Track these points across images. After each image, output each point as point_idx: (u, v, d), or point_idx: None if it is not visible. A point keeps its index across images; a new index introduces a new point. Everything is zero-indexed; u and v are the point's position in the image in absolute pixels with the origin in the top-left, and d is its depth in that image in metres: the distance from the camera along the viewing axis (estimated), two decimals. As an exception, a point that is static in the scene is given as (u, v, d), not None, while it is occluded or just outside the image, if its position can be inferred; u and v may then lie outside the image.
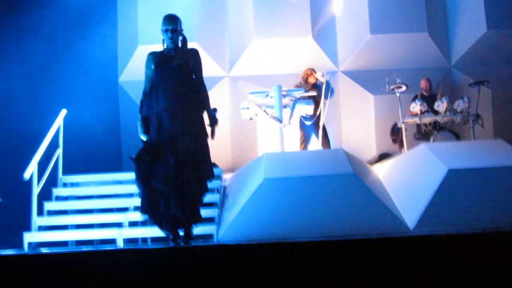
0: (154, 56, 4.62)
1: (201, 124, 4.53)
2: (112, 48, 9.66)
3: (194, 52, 4.66)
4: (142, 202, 4.51)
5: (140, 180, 4.47)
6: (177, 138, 4.39)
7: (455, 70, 9.69)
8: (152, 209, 4.41)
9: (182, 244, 4.37)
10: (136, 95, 9.40)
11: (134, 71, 9.42)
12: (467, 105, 7.77)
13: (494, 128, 9.19)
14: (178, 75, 4.51)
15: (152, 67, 4.58)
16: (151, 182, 4.40)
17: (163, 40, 4.64)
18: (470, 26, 9.42)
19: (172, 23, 4.57)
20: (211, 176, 4.56)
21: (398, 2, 9.42)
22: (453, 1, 9.80)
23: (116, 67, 9.70)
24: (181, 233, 4.44)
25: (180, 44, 4.64)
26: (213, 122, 4.56)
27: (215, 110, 4.58)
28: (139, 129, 4.54)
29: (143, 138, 4.51)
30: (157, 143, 4.45)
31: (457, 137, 8.19)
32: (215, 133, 4.63)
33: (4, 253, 3.07)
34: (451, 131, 8.28)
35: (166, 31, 4.59)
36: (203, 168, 4.45)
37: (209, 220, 6.26)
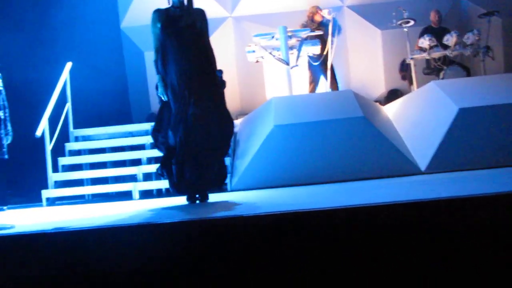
0: (159, 14, 4.51)
1: (212, 87, 4.47)
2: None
3: (201, 13, 4.55)
4: (160, 162, 4.56)
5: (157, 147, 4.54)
6: (186, 102, 4.35)
7: (464, -1, 9.42)
8: (168, 170, 4.45)
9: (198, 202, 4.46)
10: (140, 41, 9.38)
11: (136, 16, 9.25)
12: (477, 38, 7.61)
13: (505, 59, 9.02)
14: (186, 36, 4.43)
15: (159, 25, 4.48)
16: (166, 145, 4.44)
17: None
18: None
19: None
20: (226, 140, 4.55)
21: None
22: None
23: (117, 13, 9.52)
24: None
25: (186, 3, 4.53)
26: (222, 85, 4.51)
27: (220, 71, 4.52)
28: (160, 89, 4.47)
29: (163, 98, 4.47)
30: (167, 115, 4.44)
31: (467, 71, 8.08)
32: (224, 94, 4.60)
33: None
34: (461, 65, 8.15)
35: None
36: (217, 131, 4.43)
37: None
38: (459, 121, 6.03)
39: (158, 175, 4.79)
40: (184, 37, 4.45)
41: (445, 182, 4.52)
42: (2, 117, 6.01)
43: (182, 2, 4.50)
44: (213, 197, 4.71)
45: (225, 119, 4.53)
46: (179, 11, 4.49)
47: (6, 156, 6.04)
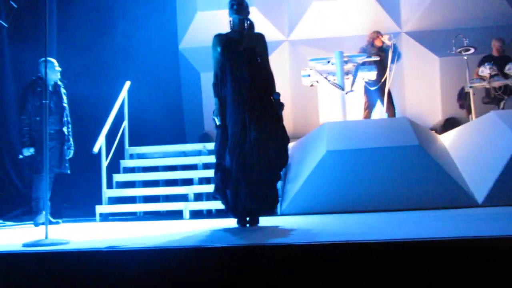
0: (220, 39, 4.56)
1: (270, 110, 4.47)
2: (172, 15, 9.71)
3: (261, 37, 4.59)
4: (215, 185, 4.57)
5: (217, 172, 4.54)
6: (246, 125, 4.36)
7: (528, 27, 9.17)
8: (223, 194, 4.47)
9: (248, 226, 4.45)
10: (197, 62, 9.56)
11: (194, 38, 9.47)
12: (540, 68, 7.36)
13: None
14: (246, 59, 4.47)
15: (219, 49, 4.54)
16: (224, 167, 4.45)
17: (230, 22, 4.60)
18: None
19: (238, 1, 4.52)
20: (283, 164, 4.53)
21: (465, -43, 8.91)
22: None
23: (176, 35, 9.76)
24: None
25: (246, 27, 4.59)
26: (279, 107, 4.50)
27: (278, 94, 4.53)
28: (216, 111, 4.52)
29: (217, 121, 4.50)
30: (226, 135, 4.46)
31: (530, 101, 7.81)
32: (282, 117, 4.59)
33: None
34: (524, 94, 7.90)
35: (231, 6, 4.53)
36: (275, 155, 4.41)
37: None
38: (520, 153, 5.81)
39: (213, 198, 4.79)
40: (243, 61, 4.48)
41: (502, 217, 4.34)
42: (66, 132, 6.25)
43: (243, 26, 4.57)
44: (263, 221, 4.69)
45: (283, 144, 4.51)
46: (239, 35, 4.56)
47: (69, 171, 6.27)
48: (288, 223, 4.71)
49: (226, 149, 4.43)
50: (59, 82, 6.30)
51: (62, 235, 4.37)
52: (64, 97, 6.31)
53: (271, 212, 4.60)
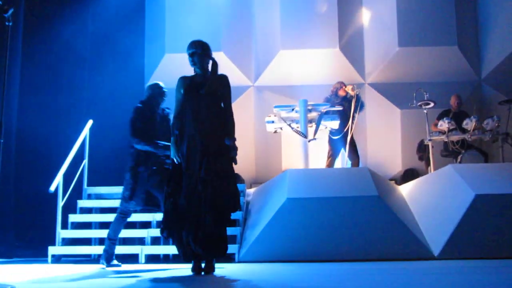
0: (184, 81, 4.63)
1: (225, 155, 4.49)
2: (140, 56, 9.73)
3: (224, 79, 4.64)
4: (164, 223, 4.49)
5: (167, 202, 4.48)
6: (197, 167, 4.38)
7: (485, 84, 9.51)
8: (175, 235, 4.40)
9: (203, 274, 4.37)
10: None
11: (161, 79, 9.42)
12: (496, 124, 7.60)
13: (525, 146, 8.97)
14: (206, 103, 4.51)
15: (181, 92, 4.58)
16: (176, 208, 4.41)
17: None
18: (502, 40, 9.23)
19: (193, 47, 4.58)
20: (233, 209, 4.51)
21: (427, 14, 9.27)
22: (485, 15, 9.61)
23: (143, 75, 9.76)
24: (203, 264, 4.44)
25: (209, 69, 4.64)
26: (233, 151, 4.53)
27: (230, 140, 4.55)
28: (172, 151, 4.52)
29: (175, 160, 4.49)
30: (180, 172, 4.46)
31: (485, 156, 8.01)
32: (235, 161, 4.60)
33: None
34: (479, 150, 8.11)
35: (189, 55, 4.61)
36: (226, 200, 4.40)
37: (231, 238, 6.23)
38: (475, 207, 5.92)
39: (164, 238, 4.72)
40: (204, 104, 4.52)
41: (454, 272, 4.38)
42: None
43: (206, 69, 4.63)
44: (219, 269, 4.62)
45: (234, 189, 4.51)
46: (203, 78, 4.61)
47: None
48: (243, 272, 4.65)
49: (177, 189, 4.40)
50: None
51: (9, 278, 4.21)
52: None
53: (221, 257, 4.52)
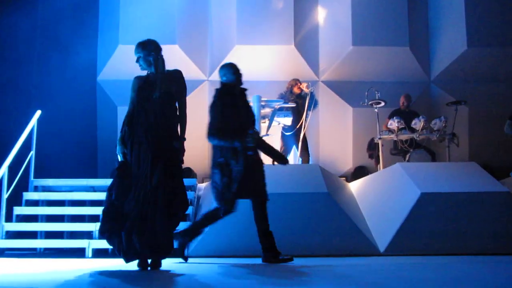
0: (138, 80, 4.57)
1: (175, 156, 4.47)
2: (93, 46, 9.54)
3: (178, 76, 4.59)
4: (104, 223, 4.42)
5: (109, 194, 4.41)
6: (149, 169, 4.33)
7: (434, 86, 9.77)
8: (112, 233, 4.34)
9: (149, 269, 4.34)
10: (114, 95, 9.40)
11: (114, 70, 9.34)
12: (443, 124, 7.83)
13: (470, 146, 9.28)
14: (160, 104, 4.45)
15: (135, 92, 4.52)
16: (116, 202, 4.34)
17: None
18: (451, 43, 9.50)
19: (138, 50, 4.55)
20: (182, 210, 4.50)
21: (381, 15, 9.44)
22: (435, 17, 9.86)
23: (96, 66, 9.58)
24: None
25: (161, 67, 4.57)
26: (180, 153, 4.52)
27: (178, 143, 4.53)
28: (118, 148, 4.45)
29: (119, 158, 4.43)
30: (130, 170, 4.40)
31: (433, 155, 8.24)
32: (183, 162, 4.60)
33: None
34: (427, 149, 8.33)
35: (136, 61, 4.58)
36: (174, 202, 4.38)
37: (180, 233, 6.19)
38: (421, 205, 6.08)
39: (101, 236, 4.63)
40: (157, 105, 4.46)
41: (397, 269, 4.49)
42: None
43: (157, 66, 4.55)
44: (167, 264, 4.60)
45: (180, 190, 4.49)
46: (156, 77, 4.53)
47: None
48: (190, 268, 4.65)
49: (122, 189, 4.34)
50: None
51: None
52: None
53: (167, 256, 4.49)
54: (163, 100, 4.48)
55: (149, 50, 4.55)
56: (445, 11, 9.67)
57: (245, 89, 5.30)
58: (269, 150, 5.31)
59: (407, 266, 4.75)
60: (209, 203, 6.63)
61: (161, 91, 4.47)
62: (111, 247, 4.54)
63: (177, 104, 4.61)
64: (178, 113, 4.60)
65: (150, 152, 4.36)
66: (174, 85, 4.56)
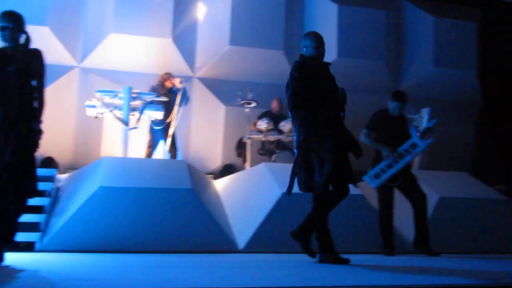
0: None
1: (30, 137, 4.22)
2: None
3: (38, 54, 4.32)
4: None
5: None
6: (2, 149, 4.07)
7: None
8: None
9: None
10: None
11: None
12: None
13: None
14: (15, 80, 4.17)
15: None
16: None
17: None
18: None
19: (5, 20, 4.23)
20: (29, 194, 4.27)
21: (259, 18, 9.60)
22: (311, 23, 10.21)
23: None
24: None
25: (22, 42, 4.29)
26: (38, 135, 4.28)
27: (37, 123, 4.28)
28: None
29: None
30: None
31: (298, 157, 8.54)
32: (39, 145, 4.36)
33: None
34: (292, 151, 8.62)
35: (0, 29, 4.24)
36: (22, 184, 4.15)
37: (33, 226, 5.87)
38: (281, 204, 6.29)
39: None
40: (13, 81, 4.19)
41: (249, 266, 4.60)
42: None
43: (18, 43, 4.26)
44: (16, 258, 4.35)
45: (32, 173, 4.26)
46: (14, 50, 4.24)
47: None
48: (37, 263, 4.43)
49: None
50: None
51: None
52: None
53: (6, 244, 4.23)
54: (21, 76, 4.20)
55: (21, 26, 4.27)
56: (321, 18, 10.01)
57: (328, 63, 4.86)
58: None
59: (259, 263, 4.86)
60: (69, 196, 6.37)
61: (18, 67, 4.19)
62: None
63: (34, 83, 4.36)
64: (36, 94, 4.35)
65: (6, 129, 4.09)
66: (34, 64, 4.31)
